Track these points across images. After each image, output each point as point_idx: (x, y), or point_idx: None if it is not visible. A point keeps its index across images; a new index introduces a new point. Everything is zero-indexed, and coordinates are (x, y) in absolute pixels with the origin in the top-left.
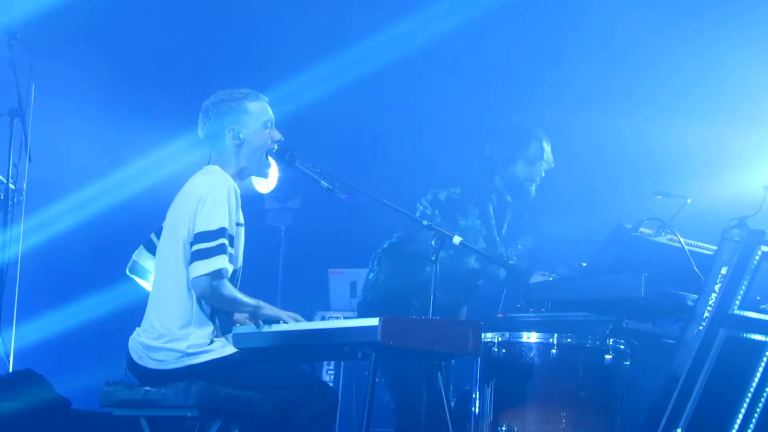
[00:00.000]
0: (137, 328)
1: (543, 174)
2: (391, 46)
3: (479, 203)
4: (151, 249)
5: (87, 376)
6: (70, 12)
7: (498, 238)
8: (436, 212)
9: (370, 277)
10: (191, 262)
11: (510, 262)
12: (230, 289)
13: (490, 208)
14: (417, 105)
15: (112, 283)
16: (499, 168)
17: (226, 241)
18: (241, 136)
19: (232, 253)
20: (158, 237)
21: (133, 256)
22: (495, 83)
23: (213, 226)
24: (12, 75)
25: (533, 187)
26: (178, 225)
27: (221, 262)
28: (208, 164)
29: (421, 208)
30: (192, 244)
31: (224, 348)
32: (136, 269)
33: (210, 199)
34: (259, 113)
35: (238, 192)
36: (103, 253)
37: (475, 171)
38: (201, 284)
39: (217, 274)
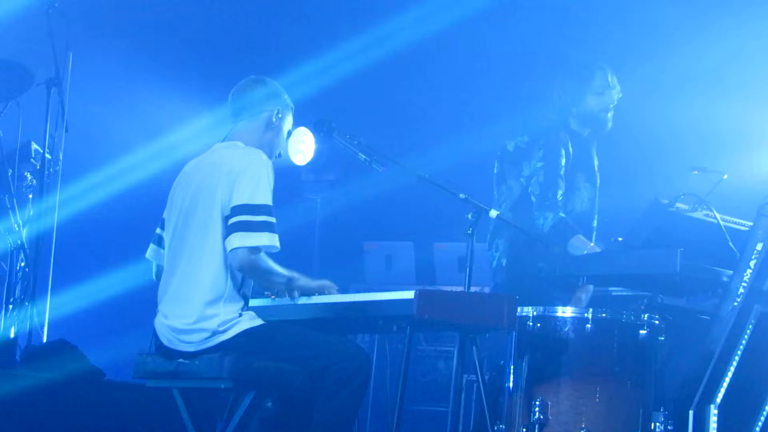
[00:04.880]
0: (160, 310)
1: (615, 102)
2: (435, 14)
3: (544, 146)
4: (163, 244)
5: (121, 347)
6: None
7: (560, 182)
8: (503, 166)
9: (494, 265)
10: (229, 233)
11: (561, 214)
12: (267, 262)
13: (561, 150)
14: (457, 78)
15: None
16: (571, 108)
17: (272, 219)
18: (279, 122)
19: None
20: (162, 228)
21: (153, 259)
22: (535, 56)
23: (257, 201)
24: (50, 44)
25: (609, 116)
26: (208, 199)
27: (266, 239)
28: (224, 139)
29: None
30: (229, 217)
31: (253, 320)
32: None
33: (250, 173)
34: (290, 103)
35: None
36: (138, 224)
37: (546, 117)
38: (239, 256)
39: (257, 249)
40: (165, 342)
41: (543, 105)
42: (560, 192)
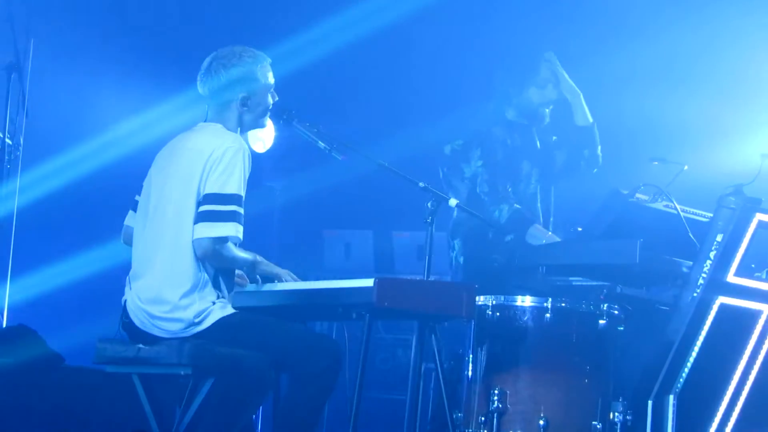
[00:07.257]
0: (134, 290)
1: (555, 97)
2: (393, 3)
3: (480, 144)
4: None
5: (81, 332)
6: None
7: (505, 175)
8: (445, 169)
9: (453, 265)
10: (196, 222)
11: (516, 205)
12: (231, 250)
13: (498, 145)
14: (422, 65)
15: (107, 239)
16: (512, 97)
17: (240, 209)
18: (249, 103)
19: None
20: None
21: (127, 223)
22: (495, 46)
23: (227, 190)
24: (10, 30)
25: (547, 112)
26: (187, 187)
27: (230, 229)
28: (205, 121)
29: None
30: (200, 204)
31: (224, 308)
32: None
33: (225, 161)
34: (266, 80)
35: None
36: (99, 209)
37: (479, 118)
38: (203, 246)
39: (223, 240)
40: (137, 323)
41: (483, 100)
42: (508, 184)
